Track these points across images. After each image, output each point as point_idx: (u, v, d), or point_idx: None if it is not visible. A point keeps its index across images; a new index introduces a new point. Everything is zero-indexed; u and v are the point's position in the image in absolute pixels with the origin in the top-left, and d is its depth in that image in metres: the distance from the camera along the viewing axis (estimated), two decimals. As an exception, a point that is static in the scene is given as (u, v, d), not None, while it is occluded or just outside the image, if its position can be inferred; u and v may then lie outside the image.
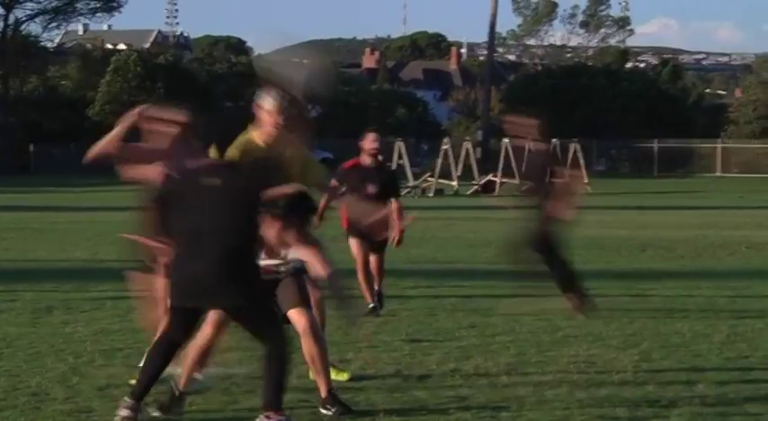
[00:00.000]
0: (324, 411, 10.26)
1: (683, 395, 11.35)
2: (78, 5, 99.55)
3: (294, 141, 11.78)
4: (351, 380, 11.94)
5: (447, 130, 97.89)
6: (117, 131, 11.85)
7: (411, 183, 64.01)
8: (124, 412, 9.96)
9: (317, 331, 10.61)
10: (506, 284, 20.52)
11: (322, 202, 13.46)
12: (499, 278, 21.69)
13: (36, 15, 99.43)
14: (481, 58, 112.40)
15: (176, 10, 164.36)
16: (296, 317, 10.57)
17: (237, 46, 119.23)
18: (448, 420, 10.29)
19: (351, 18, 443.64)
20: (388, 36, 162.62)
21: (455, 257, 26.11)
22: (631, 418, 10.38)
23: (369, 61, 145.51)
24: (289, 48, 12.81)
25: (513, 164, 66.30)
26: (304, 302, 10.60)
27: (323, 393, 10.44)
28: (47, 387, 11.22)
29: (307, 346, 10.58)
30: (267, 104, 11.23)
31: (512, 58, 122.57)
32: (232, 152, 11.07)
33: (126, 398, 9.90)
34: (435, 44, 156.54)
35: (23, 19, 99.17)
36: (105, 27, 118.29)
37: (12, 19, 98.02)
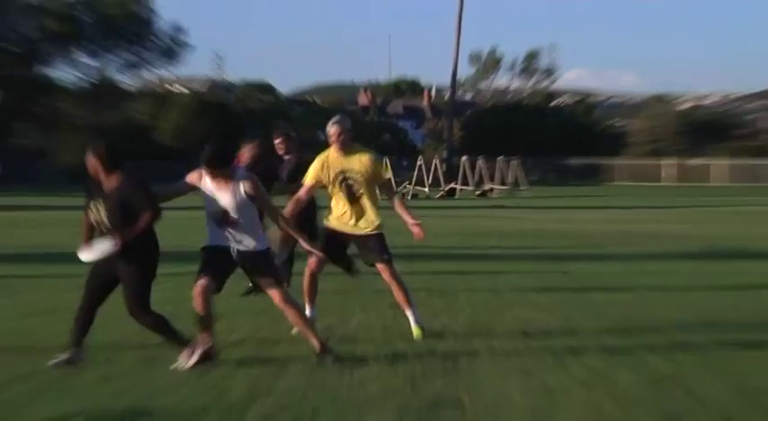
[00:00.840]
0: (321, 361, 10.22)
1: (592, 344, 11.35)
2: (149, 58, 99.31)
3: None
4: (348, 336, 11.91)
5: (421, 151, 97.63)
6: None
7: (399, 189, 64.07)
8: None
9: (290, 301, 10.53)
10: (464, 264, 20.49)
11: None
12: (459, 259, 21.68)
13: (117, 66, 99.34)
14: (446, 97, 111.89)
15: (223, 59, 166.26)
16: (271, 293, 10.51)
17: (266, 87, 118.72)
18: (422, 365, 10.25)
19: (349, 64, 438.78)
20: (377, 80, 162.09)
21: (426, 244, 26.03)
22: (556, 363, 10.37)
23: (363, 99, 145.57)
24: None
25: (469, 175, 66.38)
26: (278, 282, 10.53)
27: (317, 348, 10.37)
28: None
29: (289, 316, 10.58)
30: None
31: (468, 97, 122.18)
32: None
33: None
34: (412, 87, 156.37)
35: (108, 68, 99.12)
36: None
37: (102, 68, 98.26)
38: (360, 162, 11.86)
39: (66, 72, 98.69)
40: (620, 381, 9.60)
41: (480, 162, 71.37)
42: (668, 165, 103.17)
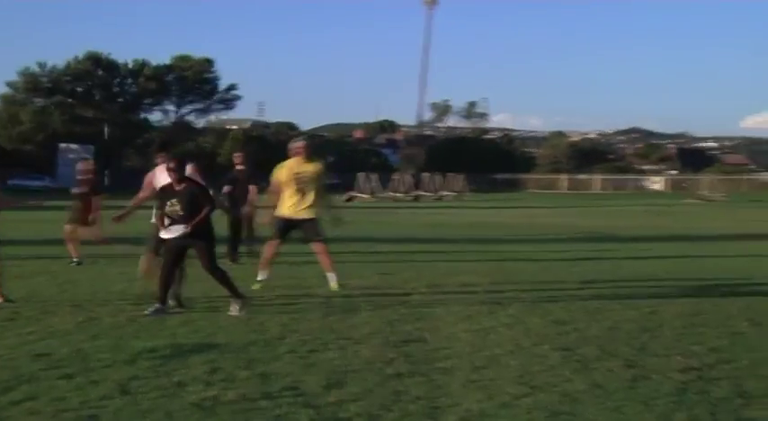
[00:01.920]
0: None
1: (512, 298, 11.34)
2: (213, 106, 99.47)
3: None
4: (345, 293, 11.89)
5: (397, 169, 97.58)
6: None
7: (380, 194, 64.08)
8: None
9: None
10: (427, 245, 20.44)
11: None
12: (423, 242, 21.64)
13: (191, 111, 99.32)
14: (414, 132, 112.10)
15: (263, 105, 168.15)
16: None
17: (291, 125, 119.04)
18: (398, 314, 10.25)
19: (349, 109, 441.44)
20: (366, 122, 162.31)
21: (399, 231, 26.09)
22: (488, 311, 10.36)
23: (357, 134, 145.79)
24: None
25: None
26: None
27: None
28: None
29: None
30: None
31: (429, 132, 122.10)
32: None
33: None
34: (391, 125, 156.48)
35: (185, 112, 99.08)
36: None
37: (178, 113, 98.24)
38: (313, 167, 12.07)
39: (156, 115, 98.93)
40: (532, 324, 9.62)
41: (437, 176, 71.50)
42: (563, 178, 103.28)
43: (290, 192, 12.02)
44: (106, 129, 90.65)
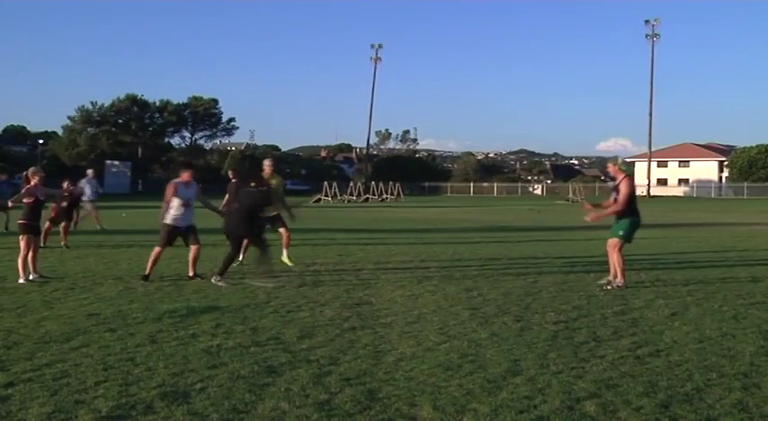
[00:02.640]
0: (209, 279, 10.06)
1: (435, 273, 11.36)
2: (217, 133, 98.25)
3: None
4: (314, 269, 11.82)
5: (352, 179, 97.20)
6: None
7: (339, 197, 63.86)
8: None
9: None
10: (375, 234, 20.40)
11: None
12: (373, 232, 21.58)
13: (202, 137, 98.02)
14: (364, 152, 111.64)
15: (253, 132, 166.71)
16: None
17: (275, 147, 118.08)
18: (351, 282, 10.23)
19: (312, 134, 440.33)
20: (328, 144, 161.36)
21: (351, 223, 26.01)
22: (417, 282, 10.37)
23: (323, 153, 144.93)
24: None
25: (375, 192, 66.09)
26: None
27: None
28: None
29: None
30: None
31: (375, 152, 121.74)
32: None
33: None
34: (348, 147, 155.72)
35: (197, 138, 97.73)
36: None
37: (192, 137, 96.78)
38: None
39: (176, 139, 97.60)
40: (449, 291, 9.64)
41: (381, 184, 71.38)
42: (471, 186, 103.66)
43: None
44: (140, 151, 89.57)
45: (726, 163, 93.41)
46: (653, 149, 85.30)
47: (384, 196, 70.03)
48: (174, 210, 10.42)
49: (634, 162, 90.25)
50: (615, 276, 10.12)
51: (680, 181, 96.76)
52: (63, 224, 15.77)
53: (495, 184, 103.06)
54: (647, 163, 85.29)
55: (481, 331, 7.15)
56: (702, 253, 15.31)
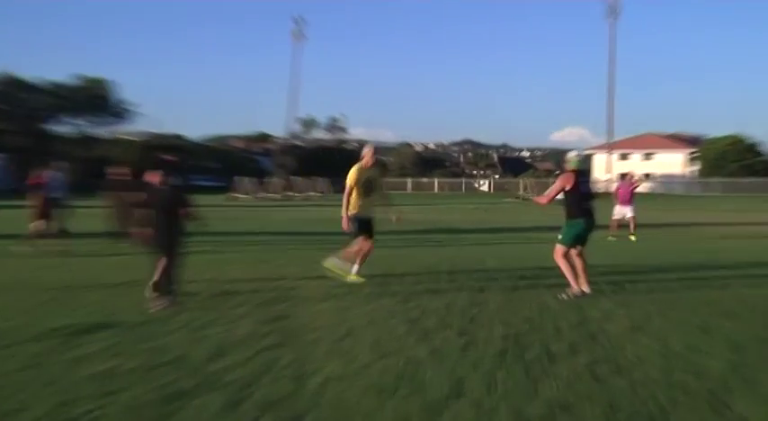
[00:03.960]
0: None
1: (375, 281, 11.40)
2: (110, 120, 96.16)
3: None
4: (228, 277, 11.71)
5: (272, 173, 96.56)
6: None
7: (258, 195, 63.47)
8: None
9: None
10: (298, 237, 20.34)
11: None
12: (296, 235, 21.51)
13: (92, 123, 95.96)
14: (285, 143, 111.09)
15: (158, 119, 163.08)
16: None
17: (178, 136, 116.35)
18: (271, 292, 10.19)
19: (224, 122, 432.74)
20: (246, 133, 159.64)
21: (273, 225, 25.87)
22: (348, 292, 10.39)
23: (237, 143, 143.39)
24: None
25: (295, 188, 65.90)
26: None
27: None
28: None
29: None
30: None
31: (299, 143, 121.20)
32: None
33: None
34: (267, 136, 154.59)
35: (85, 125, 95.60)
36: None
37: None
38: (377, 172, 12.34)
39: (62, 128, 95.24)
40: (384, 302, 9.69)
41: (306, 180, 71.26)
42: (409, 181, 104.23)
43: (360, 195, 12.13)
44: (15, 139, 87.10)
45: (693, 155, 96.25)
46: (615, 140, 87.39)
47: (309, 193, 69.94)
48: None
49: (591, 154, 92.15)
50: (584, 283, 10.36)
51: (644, 175, 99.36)
52: None
53: (437, 180, 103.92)
54: (607, 154, 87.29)
55: (420, 347, 7.21)
56: (667, 256, 15.74)
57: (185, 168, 10.55)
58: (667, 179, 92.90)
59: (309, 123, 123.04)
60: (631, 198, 21.96)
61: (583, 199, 10.39)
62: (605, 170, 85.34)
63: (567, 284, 10.31)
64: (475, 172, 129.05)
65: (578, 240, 10.45)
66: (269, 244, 18.24)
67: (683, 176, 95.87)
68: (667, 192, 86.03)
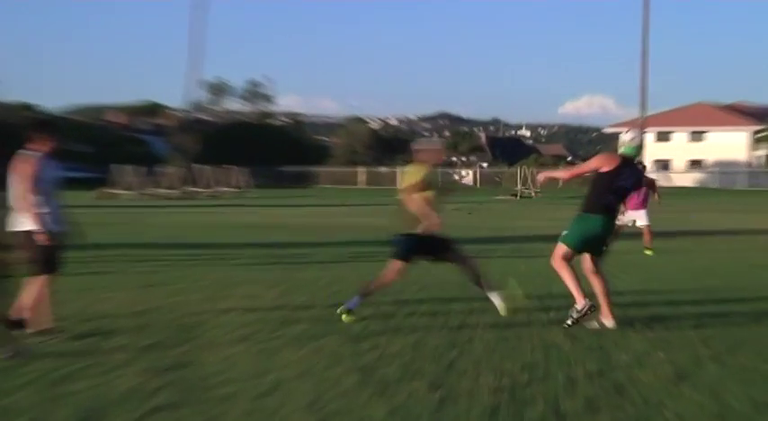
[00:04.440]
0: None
1: (304, 314, 11.41)
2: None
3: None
4: (104, 310, 11.64)
5: (166, 160, 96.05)
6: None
7: (144, 191, 63.20)
8: None
9: None
10: (201, 250, 20.32)
11: None
12: (197, 248, 21.45)
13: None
14: (186, 117, 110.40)
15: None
16: None
17: (28, 106, 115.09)
18: (166, 330, 10.17)
19: (103, 87, 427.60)
20: (130, 103, 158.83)
21: (169, 234, 25.75)
22: (275, 329, 10.39)
23: (117, 118, 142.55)
24: None
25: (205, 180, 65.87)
26: None
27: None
28: None
29: None
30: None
31: (205, 117, 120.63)
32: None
33: None
34: (159, 108, 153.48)
35: None
36: None
37: None
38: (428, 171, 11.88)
39: None
40: (325, 342, 9.69)
41: (214, 169, 71.06)
42: (361, 172, 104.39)
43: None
44: None
45: (761, 134, 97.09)
46: (650, 114, 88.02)
47: (219, 189, 69.79)
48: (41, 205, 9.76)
49: (614, 133, 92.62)
50: (607, 314, 10.46)
51: (691, 163, 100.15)
52: None
53: (400, 169, 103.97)
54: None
55: (376, 406, 7.23)
56: (723, 277, 15.92)
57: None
58: (724, 168, 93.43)
59: (220, 89, 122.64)
60: (645, 200, 21.27)
61: (615, 193, 10.56)
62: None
63: (573, 300, 10.44)
64: (454, 158, 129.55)
65: (588, 244, 10.62)
66: (161, 260, 18.14)
67: (746, 164, 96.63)
68: (724, 185, 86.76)
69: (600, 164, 10.51)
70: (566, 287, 10.64)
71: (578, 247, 10.54)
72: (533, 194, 66.73)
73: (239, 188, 71.40)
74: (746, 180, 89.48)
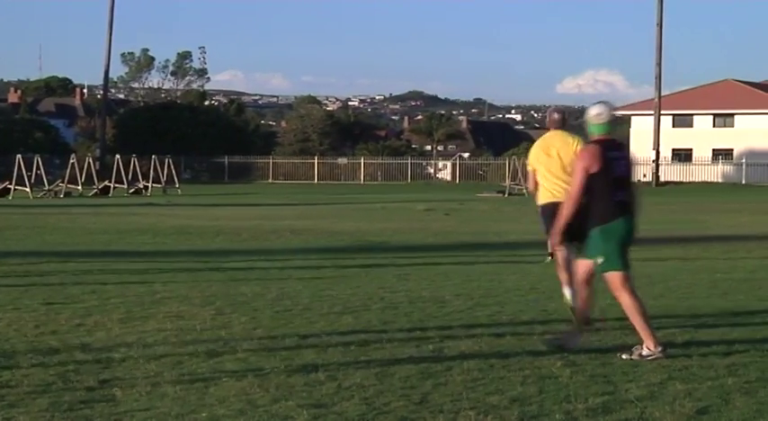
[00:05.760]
0: None
1: (246, 336, 11.42)
2: None
3: None
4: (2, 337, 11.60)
5: (73, 149, 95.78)
6: None
7: (46, 187, 62.85)
8: None
9: None
10: (117, 261, 20.26)
11: None
12: (113, 256, 21.42)
13: None
14: (98, 96, 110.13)
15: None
16: None
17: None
18: (73, 356, 10.14)
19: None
20: (28, 78, 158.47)
21: (78, 241, 25.65)
22: (210, 355, 10.39)
23: (13, 98, 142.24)
24: None
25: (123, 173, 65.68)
26: None
27: None
28: None
29: None
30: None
31: (121, 96, 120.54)
32: None
33: None
34: (64, 85, 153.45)
35: None
36: None
37: None
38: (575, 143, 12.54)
39: None
40: (271, 371, 9.68)
41: (134, 160, 70.74)
42: (315, 163, 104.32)
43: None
44: None
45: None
46: (667, 93, 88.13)
47: (141, 184, 69.58)
48: None
49: (624, 116, 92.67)
50: (647, 340, 10.44)
51: (715, 153, 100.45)
52: None
53: (363, 160, 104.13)
54: (653, 118, 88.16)
55: (335, 451, 7.25)
56: (755, 292, 16.04)
57: None
58: (757, 159, 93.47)
59: (142, 62, 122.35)
60: None
61: (617, 186, 10.55)
62: (653, 143, 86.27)
63: (647, 339, 10.40)
64: (429, 146, 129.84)
65: (626, 253, 10.56)
66: (69, 272, 18.08)
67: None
68: (756, 180, 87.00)
69: (585, 165, 10.43)
70: (632, 324, 10.60)
71: (625, 263, 10.49)
72: (526, 191, 66.81)
73: (166, 184, 71.17)
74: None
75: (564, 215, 10.68)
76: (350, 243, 25.89)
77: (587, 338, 10.90)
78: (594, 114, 10.69)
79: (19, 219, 35.05)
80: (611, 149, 10.57)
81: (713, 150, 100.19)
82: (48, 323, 12.44)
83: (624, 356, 10.25)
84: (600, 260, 10.46)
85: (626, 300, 10.44)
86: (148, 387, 9.09)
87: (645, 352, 10.28)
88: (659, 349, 10.26)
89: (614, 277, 10.45)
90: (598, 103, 10.99)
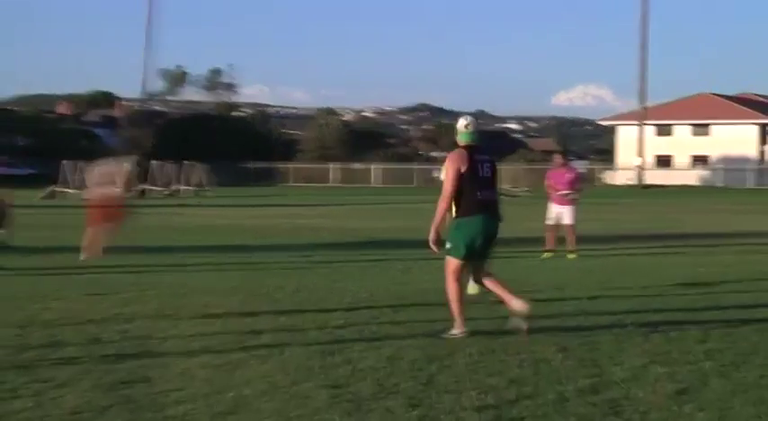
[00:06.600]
0: None
1: (268, 324, 11.41)
2: None
3: None
4: (44, 318, 11.59)
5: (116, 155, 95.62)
6: None
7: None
8: None
9: None
10: (153, 257, 20.26)
11: None
12: (149, 252, 21.40)
13: None
14: (137, 108, 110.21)
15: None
16: None
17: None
18: (114, 343, 10.15)
19: (49, 77, 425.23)
20: (75, 92, 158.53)
21: (125, 240, 25.61)
22: (236, 341, 10.38)
23: (61, 109, 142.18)
24: None
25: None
26: None
27: None
28: None
29: None
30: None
31: (159, 108, 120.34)
32: None
33: None
34: (108, 97, 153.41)
35: None
36: None
37: None
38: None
39: None
40: (292, 355, 9.67)
41: (170, 166, 70.75)
42: (333, 168, 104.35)
43: None
44: None
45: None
46: (650, 105, 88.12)
47: (176, 187, 69.53)
48: None
49: (472, 123, 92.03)
50: (458, 322, 10.88)
51: (694, 159, 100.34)
52: None
53: (374, 166, 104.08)
54: (638, 127, 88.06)
55: (349, 427, 7.22)
56: (731, 284, 15.96)
57: None
58: (732, 164, 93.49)
59: (177, 78, 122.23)
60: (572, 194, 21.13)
61: (481, 186, 10.99)
62: (636, 151, 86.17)
63: (452, 321, 10.80)
64: (435, 153, 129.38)
65: (475, 250, 11.00)
66: (111, 266, 18.06)
67: (755, 161, 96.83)
68: (731, 183, 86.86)
69: (456, 165, 10.92)
70: (449, 304, 10.96)
71: (466, 255, 10.96)
72: (521, 194, 66.72)
73: (198, 186, 71.17)
74: (756, 178, 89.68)
75: (438, 212, 11.15)
76: (362, 238, 25.86)
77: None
78: (463, 125, 11.34)
79: (68, 218, 34.99)
80: (478, 153, 11.12)
81: (692, 157, 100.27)
82: (93, 310, 12.46)
83: (443, 335, 10.70)
84: (448, 245, 10.99)
85: (450, 286, 10.99)
86: (181, 368, 9.11)
87: (455, 331, 10.80)
88: (464, 330, 10.77)
89: (451, 263, 11.01)
90: (465, 116, 11.81)
